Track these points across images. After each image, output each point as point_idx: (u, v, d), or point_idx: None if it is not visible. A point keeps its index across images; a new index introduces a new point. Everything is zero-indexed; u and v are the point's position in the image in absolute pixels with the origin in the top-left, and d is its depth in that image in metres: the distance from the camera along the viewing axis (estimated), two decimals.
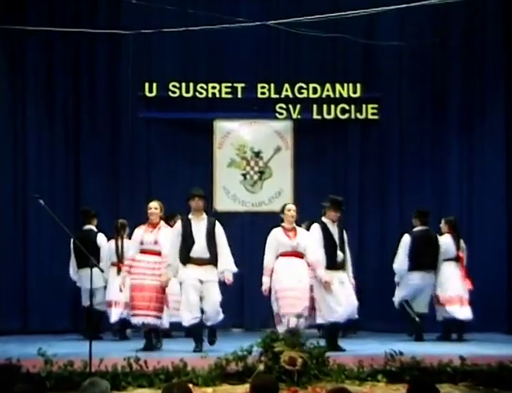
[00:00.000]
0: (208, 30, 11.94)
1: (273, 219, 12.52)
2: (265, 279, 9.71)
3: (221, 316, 9.47)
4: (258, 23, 11.87)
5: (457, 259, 10.95)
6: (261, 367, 7.64)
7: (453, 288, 10.80)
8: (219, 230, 9.49)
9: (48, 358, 7.68)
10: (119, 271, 10.73)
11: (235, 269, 9.49)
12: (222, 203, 12.45)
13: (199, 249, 9.31)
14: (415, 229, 11.07)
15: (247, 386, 6.46)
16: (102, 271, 8.89)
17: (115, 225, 11.13)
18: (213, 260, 9.36)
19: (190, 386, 5.61)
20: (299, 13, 11.81)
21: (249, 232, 12.66)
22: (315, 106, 12.73)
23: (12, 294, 12.05)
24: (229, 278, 9.39)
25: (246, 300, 12.47)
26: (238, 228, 12.42)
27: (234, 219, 12.40)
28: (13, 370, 7.28)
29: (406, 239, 11.01)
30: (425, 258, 10.86)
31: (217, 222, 9.57)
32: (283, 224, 9.82)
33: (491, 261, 12.02)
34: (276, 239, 9.74)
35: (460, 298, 10.78)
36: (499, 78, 12.63)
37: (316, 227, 9.69)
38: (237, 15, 11.97)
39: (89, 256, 7.99)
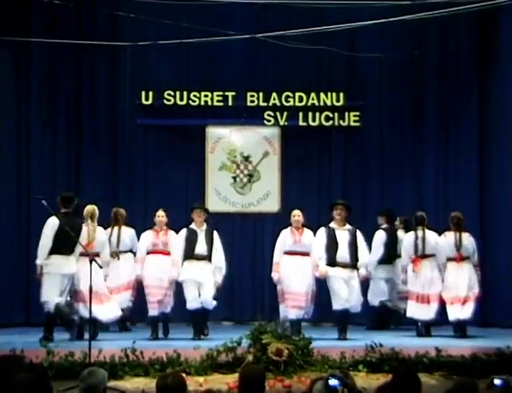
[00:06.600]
0: (201, 42, 12.07)
1: (261, 219, 12.86)
2: None
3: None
4: (247, 36, 12.00)
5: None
6: (249, 357, 7.81)
7: None
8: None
9: (50, 349, 7.88)
10: None
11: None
12: (213, 204, 12.51)
13: None
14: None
15: (236, 376, 6.53)
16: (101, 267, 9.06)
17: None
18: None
19: (183, 375, 5.78)
20: (286, 27, 11.84)
21: (238, 231, 12.91)
22: (301, 114, 12.90)
23: (16, 289, 12.08)
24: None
25: (236, 295, 12.72)
26: (228, 227, 12.59)
27: (225, 218, 12.61)
28: (17, 360, 7.37)
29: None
30: None
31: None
32: None
33: None
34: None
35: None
36: (473, 89, 12.80)
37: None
38: (228, 29, 12.05)
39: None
